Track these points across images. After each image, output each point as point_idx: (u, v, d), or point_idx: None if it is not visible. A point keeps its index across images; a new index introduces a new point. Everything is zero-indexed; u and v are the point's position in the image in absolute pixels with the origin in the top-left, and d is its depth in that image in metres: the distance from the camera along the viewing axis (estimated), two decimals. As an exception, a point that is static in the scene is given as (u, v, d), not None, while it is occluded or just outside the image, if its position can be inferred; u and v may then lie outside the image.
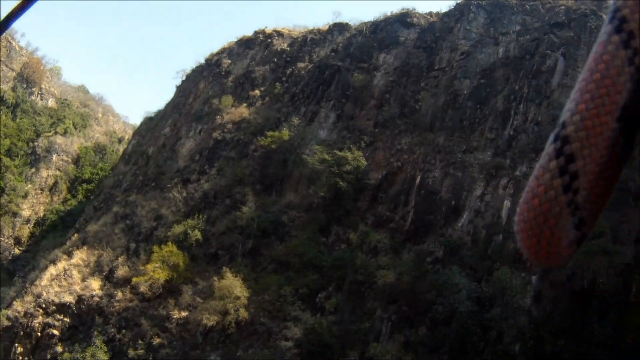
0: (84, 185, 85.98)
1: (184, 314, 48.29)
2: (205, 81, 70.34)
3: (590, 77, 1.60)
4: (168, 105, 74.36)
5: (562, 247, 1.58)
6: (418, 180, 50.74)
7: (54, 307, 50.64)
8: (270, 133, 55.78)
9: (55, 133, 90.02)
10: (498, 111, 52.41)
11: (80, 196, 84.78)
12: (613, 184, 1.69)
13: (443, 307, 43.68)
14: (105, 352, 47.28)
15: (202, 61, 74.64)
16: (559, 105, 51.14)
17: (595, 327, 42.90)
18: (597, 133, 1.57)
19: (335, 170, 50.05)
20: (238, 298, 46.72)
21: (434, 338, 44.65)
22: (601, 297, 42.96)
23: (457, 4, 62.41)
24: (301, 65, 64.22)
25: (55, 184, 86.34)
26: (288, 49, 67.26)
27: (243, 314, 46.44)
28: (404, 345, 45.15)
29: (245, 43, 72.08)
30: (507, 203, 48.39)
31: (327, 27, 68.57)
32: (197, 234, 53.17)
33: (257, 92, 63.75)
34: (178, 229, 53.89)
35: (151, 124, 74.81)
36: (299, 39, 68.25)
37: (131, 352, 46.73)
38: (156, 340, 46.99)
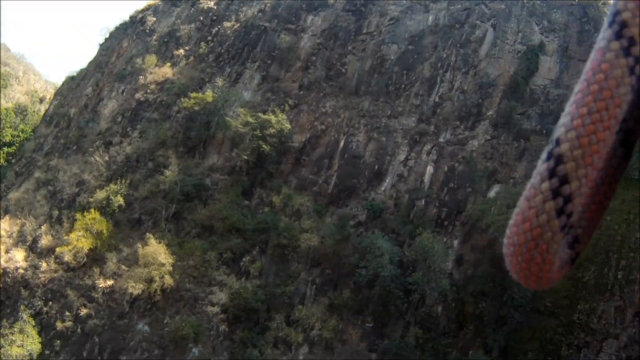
0: (5, 149, 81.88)
1: (109, 282, 47.17)
2: (129, 39, 67.52)
3: (587, 89, 1.46)
4: (91, 64, 71.16)
5: (554, 271, 1.50)
6: (342, 144, 50.64)
7: (-21, 283, 48.67)
8: (193, 94, 54.23)
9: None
10: (424, 78, 52.54)
11: (1, 160, 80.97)
12: (609, 198, 1.61)
13: (366, 271, 44.03)
14: (34, 326, 45.83)
15: (127, 18, 71.58)
16: (485, 75, 51.64)
17: (514, 291, 44.12)
18: (594, 151, 1.43)
19: (259, 134, 49.27)
20: (162, 265, 45.84)
21: (357, 301, 45.15)
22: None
23: (389, -31, 61.52)
24: (227, 24, 62.30)
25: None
26: (214, 7, 65.08)
27: (168, 280, 45.66)
28: (329, 307, 45.61)
29: (171, 0, 69.42)
30: (430, 169, 48.89)
31: (255, -13, 66.53)
32: (119, 200, 51.68)
33: (181, 51, 61.69)
34: (101, 194, 52.25)
35: (73, 83, 71.48)
36: (227, -3, 66.15)
37: (59, 325, 45.58)
38: (83, 311, 45.85)
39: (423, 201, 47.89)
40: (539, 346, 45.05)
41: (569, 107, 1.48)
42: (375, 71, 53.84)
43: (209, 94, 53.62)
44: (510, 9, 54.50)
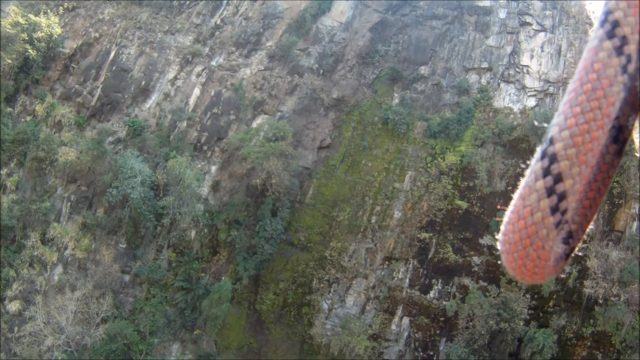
0: None
1: None
2: None
3: (580, 88, 1.48)
4: None
5: (550, 266, 1.54)
6: (112, 55, 48.07)
7: None
8: (-33, -17, 49.49)
9: None
10: (211, -3, 50.42)
11: None
12: (603, 194, 1.59)
13: (117, 191, 43.07)
14: None
15: None
16: (273, 6, 50.19)
17: (267, 223, 44.49)
18: (588, 150, 1.45)
19: (26, 37, 45.76)
20: None
21: (111, 221, 44.25)
22: (276, 195, 44.43)
23: None
24: None
25: None
26: None
27: None
28: (82, 226, 44.56)
29: None
30: (197, 91, 47.64)
31: None
32: None
33: None
34: None
35: None
36: None
37: None
38: None
39: (185, 123, 46.79)
40: (290, 277, 46.15)
41: (562, 106, 1.48)
42: (161, -20, 50.88)
43: (-16, -15, 49.07)
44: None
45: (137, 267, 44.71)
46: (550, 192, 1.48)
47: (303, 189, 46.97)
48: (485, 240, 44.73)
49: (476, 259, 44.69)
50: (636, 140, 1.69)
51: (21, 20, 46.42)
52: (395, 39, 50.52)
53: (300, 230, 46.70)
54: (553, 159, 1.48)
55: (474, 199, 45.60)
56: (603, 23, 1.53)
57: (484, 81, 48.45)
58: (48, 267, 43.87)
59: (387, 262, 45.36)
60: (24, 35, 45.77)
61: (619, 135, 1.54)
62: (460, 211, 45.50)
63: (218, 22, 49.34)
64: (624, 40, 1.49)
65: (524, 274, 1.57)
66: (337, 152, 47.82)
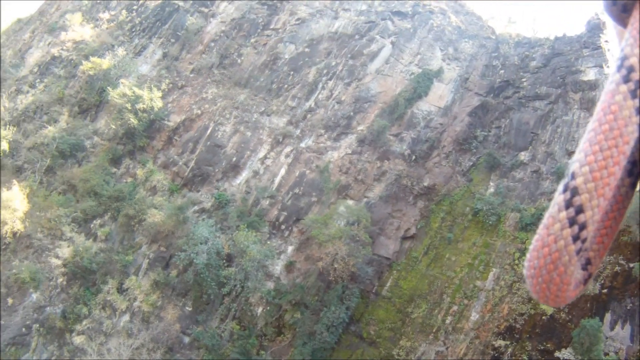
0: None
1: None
2: (71, -7, 68.46)
3: (599, 128, 1.63)
4: (37, 11, 72.61)
5: (571, 290, 1.70)
6: (209, 131, 50.56)
7: None
8: (93, 59, 55.04)
9: None
10: (307, 82, 52.23)
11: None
12: (619, 222, 1.78)
13: (185, 255, 44.25)
14: None
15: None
16: (366, 89, 50.88)
17: (331, 310, 43.24)
18: (605, 184, 1.61)
19: (129, 107, 49.82)
20: (16, 210, 47.21)
21: (179, 283, 45.47)
22: (340, 281, 43.38)
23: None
24: (154, -3, 62.81)
25: None
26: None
27: (19, 226, 47.25)
28: (154, 283, 46.15)
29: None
30: (282, 171, 48.49)
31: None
32: (5, 145, 53.12)
33: (107, 15, 62.46)
34: (-12, 138, 53.58)
35: (19, 26, 72.97)
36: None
37: None
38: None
39: (267, 201, 47.52)
40: (353, 373, 44.13)
41: (582, 144, 1.64)
42: (267, 67, 53.71)
43: (105, 61, 54.35)
44: (416, 29, 53.47)
45: (197, 331, 45.20)
46: (572, 222, 1.58)
47: (381, 280, 45.50)
48: (564, 354, 40.50)
49: (555, 377, 40.48)
50: None
51: (128, 92, 50.71)
52: (497, 123, 48.76)
53: (371, 324, 44.85)
54: (574, 192, 1.59)
55: (562, 303, 41.71)
56: (619, 68, 1.63)
57: (586, 164, 45.20)
58: (117, 313, 45.68)
59: (457, 369, 42.27)
60: (127, 106, 49.84)
61: (634, 169, 1.66)
62: (544, 317, 41.75)
63: (312, 105, 50.81)
64: (639, 84, 1.59)
65: (547, 297, 1.67)
66: (421, 244, 46.11)
